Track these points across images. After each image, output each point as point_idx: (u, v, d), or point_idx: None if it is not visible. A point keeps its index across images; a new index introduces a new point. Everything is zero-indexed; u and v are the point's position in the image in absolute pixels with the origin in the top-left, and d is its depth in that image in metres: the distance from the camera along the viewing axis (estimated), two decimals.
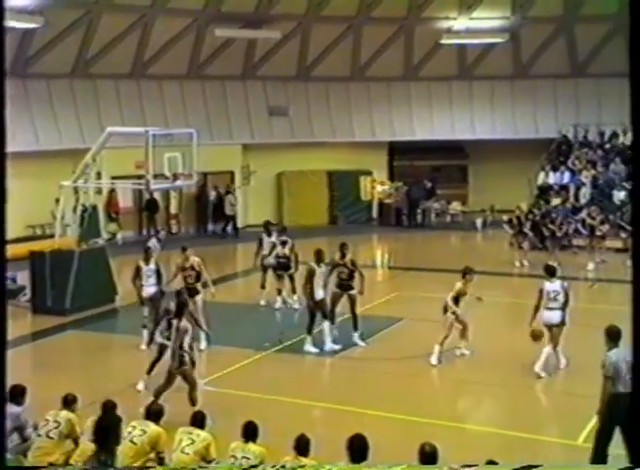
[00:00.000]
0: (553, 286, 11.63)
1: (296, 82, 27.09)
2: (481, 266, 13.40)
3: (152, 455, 7.26)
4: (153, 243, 17.11)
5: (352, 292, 13.28)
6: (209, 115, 25.88)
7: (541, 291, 11.59)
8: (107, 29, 22.88)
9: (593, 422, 8.65)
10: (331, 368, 12.77)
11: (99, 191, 22.16)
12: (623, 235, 20.62)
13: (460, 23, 26.22)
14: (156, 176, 15.70)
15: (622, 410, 8.05)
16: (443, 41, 26.35)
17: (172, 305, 11.01)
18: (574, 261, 19.96)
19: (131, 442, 7.18)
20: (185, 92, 25.63)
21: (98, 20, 22.56)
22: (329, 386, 11.83)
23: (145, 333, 13.28)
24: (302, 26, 25.56)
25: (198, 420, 7.48)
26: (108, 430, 6.07)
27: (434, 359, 12.30)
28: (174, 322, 10.28)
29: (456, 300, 12.31)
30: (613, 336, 8.36)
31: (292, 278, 15.75)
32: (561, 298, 11.53)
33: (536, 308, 11.57)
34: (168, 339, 10.58)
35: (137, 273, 13.52)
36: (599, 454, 8.19)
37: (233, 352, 12.69)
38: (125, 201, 25.00)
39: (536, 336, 11.44)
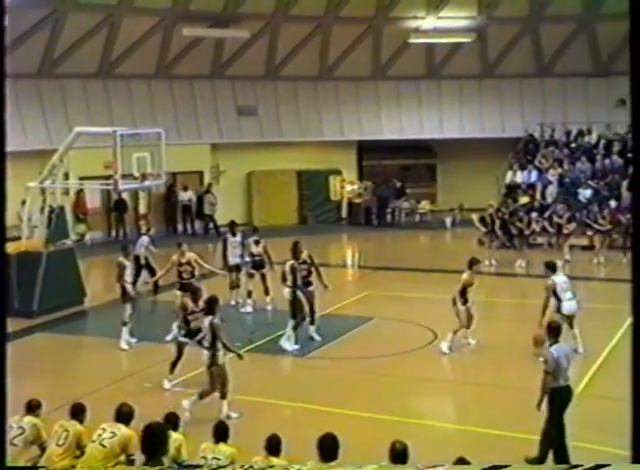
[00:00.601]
0: (561, 278, 12.08)
1: (264, 82, 27.05)
2: (451, 265, 13.52)
3: (122, 458, 7.20)
4: (147, 241, 16.86)
5: (311, 288, 13.45)
6: (178, 114, 25.75)
7: (555, 286, 11.87)
8: (73, 29, 22.65)
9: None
10: (302, 368, 12.77)
11: (66, 192, 21.92)
12: (589, 233, 20.90)
13: (428, 22, 26.37)
14: (124, 176, 15.62)
15: (565, 402, 8.30)
16: (411, 40, 26.48)
17: (189, 301, 11.06)
18: (542, 259, 20.09)
19: (101, 445, 7.11)
20: (153, 92, 25.48)
21: (64, 19, 22.34)
22: (300, 385, 11.83)
23: (125, 330, 13.21)
24: (271, 26, 25.53)
25: (171, 422, 7.45)
26: (156, 438, 5.97)
27: (444, 348, 12.55)
28: (207, 319, 10.11)
29: (463, 291, 12.52)
30: (553, 331, 8.56)
31: (264, 278, 15.77)
32: (570, 287, 12.00)
33: (545, 307, 11.80)
34: (186, 336, 10.54)
35: (122, 271, 13.45)
36: (559, 449, 8.32)
37: (204, 352, 12.63)
38: (93, 201, 24.81)
39: (538, 342, 10.90)
